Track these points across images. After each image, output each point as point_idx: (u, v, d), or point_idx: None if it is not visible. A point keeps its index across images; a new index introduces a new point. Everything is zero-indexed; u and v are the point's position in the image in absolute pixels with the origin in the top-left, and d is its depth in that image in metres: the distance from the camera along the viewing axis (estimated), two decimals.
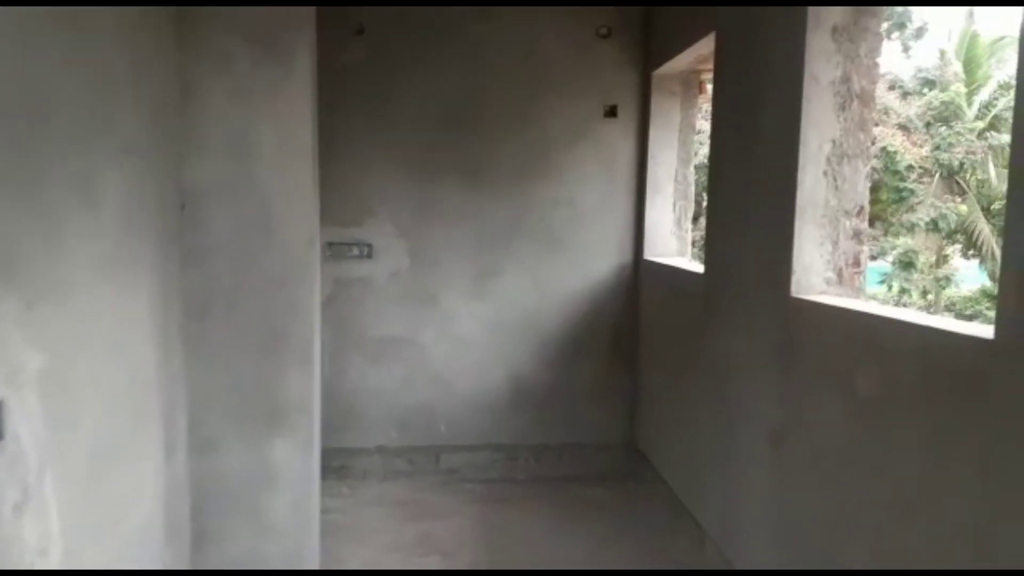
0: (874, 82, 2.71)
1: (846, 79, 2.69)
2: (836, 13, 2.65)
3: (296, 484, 2.91)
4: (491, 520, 4.35)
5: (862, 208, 2.78)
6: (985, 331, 1.74)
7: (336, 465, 4.85)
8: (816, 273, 2.78)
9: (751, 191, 3.16)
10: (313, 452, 2.96)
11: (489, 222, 4.83)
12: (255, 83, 2.76)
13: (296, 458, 2.90)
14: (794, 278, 2.76)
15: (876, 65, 2.70)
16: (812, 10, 2.63)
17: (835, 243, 2.78)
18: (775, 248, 2.88)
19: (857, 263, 2.80)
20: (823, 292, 2.76)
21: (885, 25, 2.70)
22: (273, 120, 2.77)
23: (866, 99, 2.72)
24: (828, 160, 2.73)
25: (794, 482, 2.75)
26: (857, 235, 2.79)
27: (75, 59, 1.91)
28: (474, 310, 4.90)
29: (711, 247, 3.63)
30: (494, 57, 4.70)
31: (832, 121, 2.70)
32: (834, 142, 2.72)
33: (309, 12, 2.81)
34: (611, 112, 4.77)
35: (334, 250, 4.77)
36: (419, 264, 4.84)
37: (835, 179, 2.74)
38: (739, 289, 3.27)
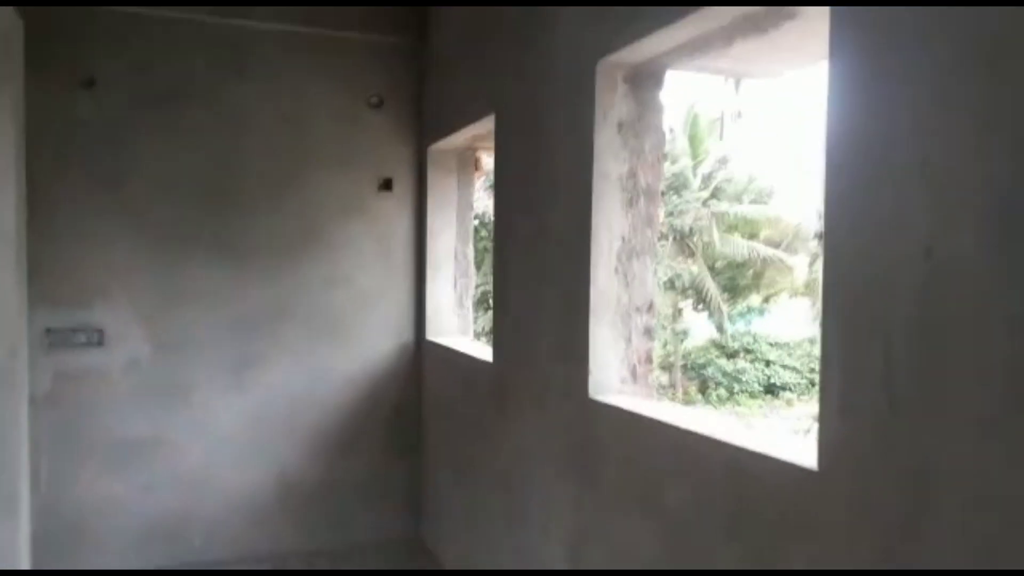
0: (659, 179, 2.72)
1: (633, 175, 2.67)
2: (622, 110, 2.62)
3: None
4: None
5: (651, 304, 2.75)
6: (807, 460, 1.68)
7: None
8: (612, 371, 2.69)
9: (540, 282, 3.04)
10: None
11: (252, 303, 4.31)
12: None
13: None
14: (591, 379, 2.65)
15: (659, 161, 2.72)
16: (599, 105, 2.58)
17: (628, 340, 2.71)
18: (569, 344, 2.76)
19: (649, 360, 2.76)
20: (620, 392, 2.67)
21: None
22: None
23: (652, 195, 2.71)
24: (619, 257, 2.67)
25: None
26: (648, 332, 2.75)
27: None
28: (233, 403, 4.31)
29: (500, 335, 3.46)
30: (255, 122, 4.25)
31: (621, 218, 2.66)
32: (623, 239, 2.67)
33: (11, 58, 2.24)
34: (386, 185, 4.51)
35: (54, 337, 3.96)
36: (165, 352, 4.17)
37: (626, 276, 2.68)
38: (532, 383, 3.11)
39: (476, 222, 4.83)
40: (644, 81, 2.62)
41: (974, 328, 1.31)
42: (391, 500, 4.65)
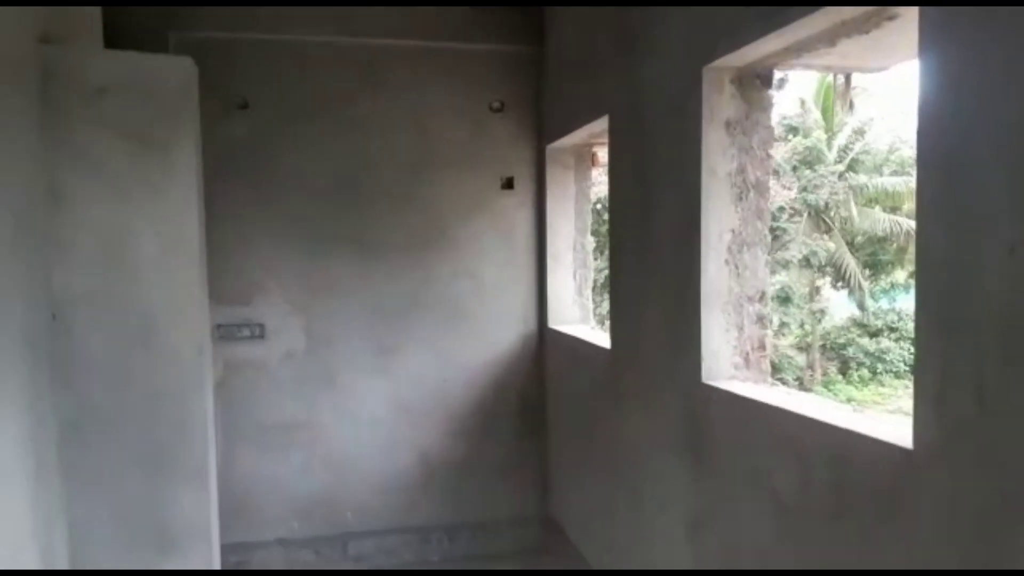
0: (768, 173, 2.80)
1: (741, 171, 2.77)
2: (729, 108, 2.72)
3: None
4: None
5: (763, 293, 2.84)
6: (903, 439, 1.77)
7: (233, 561, 4.51)
8: (724, 358, 2.81)
9: (653, 273, 3.19)
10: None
11: (387, 296, 4.69)
12: (132, 181, 2.56)
13: None
14: (704, 364, 2.78)
15: (769, 157, 2.79)
16: (706, 104, 2.70)
17: (740, 328, 2.82)
18: (681, 332, 2.91)
19: (762, 347, 2.85)
20: (732, 377, 2.79)
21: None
22: (154, 220, 2.58)
23: (761, 189, 2.80)
24: (729, 249, 2.78)
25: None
26: (760, 320, 2.85)
27: None
28: (377, 387, 4.72)
29: (616, 323, 3.64)
30: (383, 131, 4.61)
31: (731, 211, 2.76)
32: (733, 231, 2.78)
33: (190, 99, 2.64)
34: (508, 184, 4.77)
35: (223, 332, 4.50)
36: (316, 343, 4.63)
37: (736, 267, 2.79)
38: (646, 369, 3.27)
39: (597, 206, 4.98)
40: (751, 81, 2.71)
41: None
42: (521, 479, 4.93)
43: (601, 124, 3.83)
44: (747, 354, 2.83)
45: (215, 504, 2.78)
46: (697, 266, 2.77)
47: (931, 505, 1.67)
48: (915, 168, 1.73)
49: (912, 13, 1.91)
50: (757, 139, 2.77)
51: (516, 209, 4.82)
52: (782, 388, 2.75)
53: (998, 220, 1.49)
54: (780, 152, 19.28)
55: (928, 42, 1.68)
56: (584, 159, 4.71)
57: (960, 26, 1.58)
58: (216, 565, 2.80)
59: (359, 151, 4.60)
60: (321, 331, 4.63)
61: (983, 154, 1.52)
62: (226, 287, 4.46)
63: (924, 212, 1.69)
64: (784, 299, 18.84)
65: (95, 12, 3.02)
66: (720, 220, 2.76)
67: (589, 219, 4.82)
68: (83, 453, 2.51)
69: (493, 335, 4.84)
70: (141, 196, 2.56)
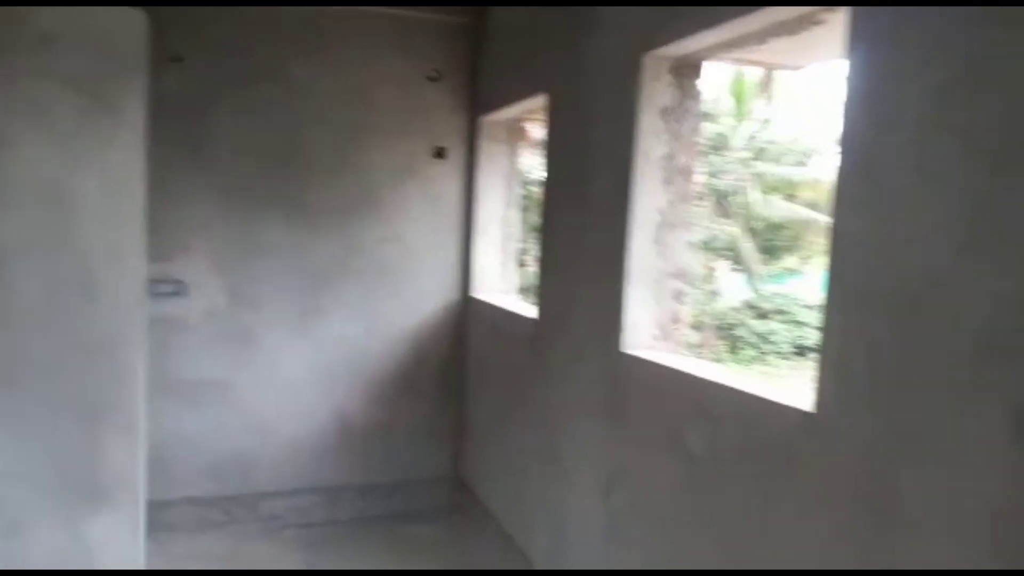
0: (694, 159, 3.01)
1: (672, 156, 2.97)
2: (665, 95, 2.91)
3: (119, 565, 2.68)
4: (313, 567, 4.24)
5: (683, 271, 3.07)
6: (804, 403, 2.01)
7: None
8: (643, 330, 3.03)
9: (581, 247, 3.37)
10: (139, 529, 2.74)
11: (315, 258, 4.71)
12: (79, 133, 2.52)
13: (120, 538, 2.67)
14: (624, 335, 2.99)
15: (696, 144, 3.00)
16: (644, 93, 2.87)
17: (659, 303, 3.05)
18: (606, 304, 3.10)
19: (678, 319, 3.09)
20: (650, 347, 3.02)
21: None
22: (100, 171, 2.55)
23: (688, 174, 3.01)
24: (656, 228, 2.99)
25: (624, 530, 2.97)
26: (678, 295, 3.08)
27: None
28: (298, 349, 4.75)
29: (544, 294, 3.81)
30: (320, 95, 4.59)
31: (659, 194, 2.97)
32: (661, 213, 2.98)
33: (140, 56, 2.61)
34: (439, 153, 4.85)
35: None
36: (237, 302, 4.60)
37: (661, 246, 3.00)
38: (571, 338, 3.47)
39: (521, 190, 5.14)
40: (686, 71, 2.90)
41: (946, 310, 1.61)
42: (436, 442, 5.08)
43: (538, 101, 3.96)
44: (664, 326, 3.06)
45: (144, 458, 2.80)
46: (625, 244, 2.96)
47: (827, 458, 1.92)
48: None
49: (837, 19, 2.13)
50: (687, 126, 2.97)
51: (446, 179, 4.90)
52: (692, 358, 2.99)
53: (903, 214, 1.72)
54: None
55: (855, 42, 1.88)
56: (516, 134, 4.84)
57: (884, 27, 1.78)
58: (142, 519, 2.82)
59: (295, 112, 4.56)
60: (245, 291, 4.60)
61: (895, 145, 1.74)
62: (149, 243, 4.35)
63: (840, 198, 1.91)
64: None
65: None
66: (649, 202, 2.95)
67: (517, 193, 4.96)
68: (16, 402, 2.48)
69: (417, 302, 4.94)
70: (87, 147, 2.52)
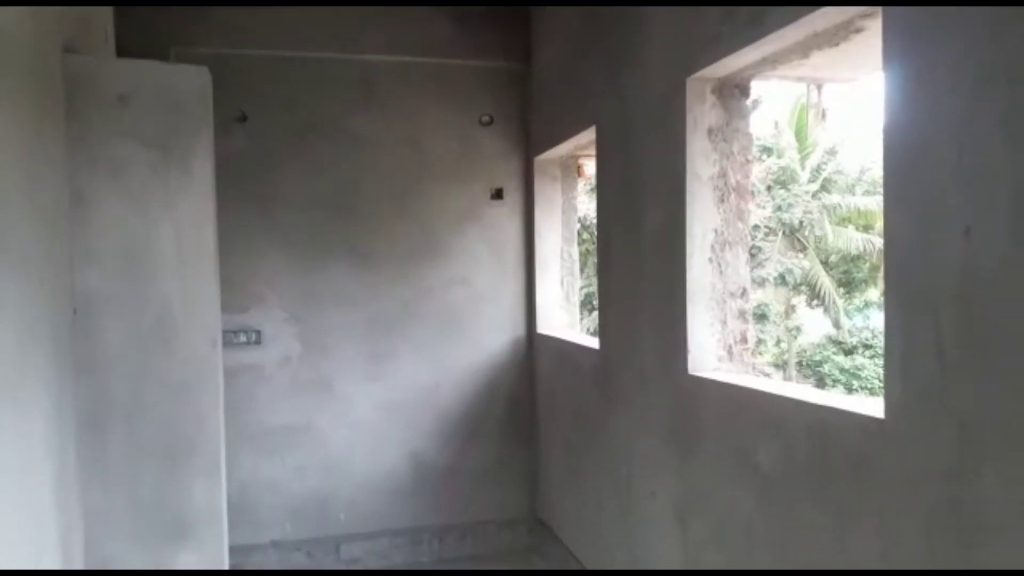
0: (748, 176, 3.01)
1: (723, 174, 2.97)
2: (711, 116, 2.93)
3: None
4: None
5: (745, 289, 3.03)
6: (875, 410, 1.95)
7: (230, 563, 4.58)
8: (709, 351, 2.99)
9: (640, 273, 3.37)
10: (224, 566, 2.82)
11: (381, 303, 4.84)
12: (153, 188, 2.70)
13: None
14: (690, 357, 2.96)
15: (748, 161, 3.00)
16: (690, 115, 2.90)
17: (723, 323, 3.01)
18: (668, 328, 3.09)
19: (745, 340, 3.04)
20: (716, 369, 2.98)
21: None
22: (173, 225, 2.71)
23: (741, 192, 3.00)
24: (712, 248, 2.98)
25: (703, 557, 2.89)
26: (742, 315, 3.04)
27: None
28: (369, 392, 4.85)
29: (605, 324, 3.82)
30: (378, 145, 4.80)
31: (713, 213, 2.96)
32: (716, 231, 2.97)
33: (206, 107, 2.79)
34: (497, 195, 4.96)
35: (222, 337, 4.60)
36: (310, 349, 4.76)
37: (719, 265, 2.99)
38: (635, 366, 3.45)
39: (579, 226, 5.19)
40: (730, 91, 2.92)
41: (1005, 301, 1.56)
42: (511, 481, 5.07)
43: (588, 135, 4.03)
44: (730, 347, 3.02)
45: (225, 495, 2.90)
46: (683, 265, 2.96)
47: (900, 463, 1.85)
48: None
49: (875, 26, 2.13)
50: (737, 145, 2.98)
51: (505, 219, 5.00)
52: (763, 377, 2.93)
53: (954, 206, 1.68)
54: (755, 172, 19.71)
55: (891, 48, 1.88)
56: (570, 170, 4.91)
57: (918, 30, 1.78)
58: (226, 556, 2.91)
59: (354, 164, 4.77)
60: (316, 338, 4.76)
61: (940, 145, 1.72)
62: (224, 295, 4.57)
63: (890, 199, 1.88)
64: (760, 316, 19.16)
65: (109, 24, 3.18)
66: (704, 221, 2.95)
67: (575, 229, 5.01)
68: (101, 446, 2.62)
69: (483, 341, 5.00)
70: (160, 200, 2.69)
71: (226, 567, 2.89)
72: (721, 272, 2.99)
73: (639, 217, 3.36)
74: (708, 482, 2.83)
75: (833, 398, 2.22)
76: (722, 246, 2.99)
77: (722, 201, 2.98)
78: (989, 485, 1.62)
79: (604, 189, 3.81)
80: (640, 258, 3.37)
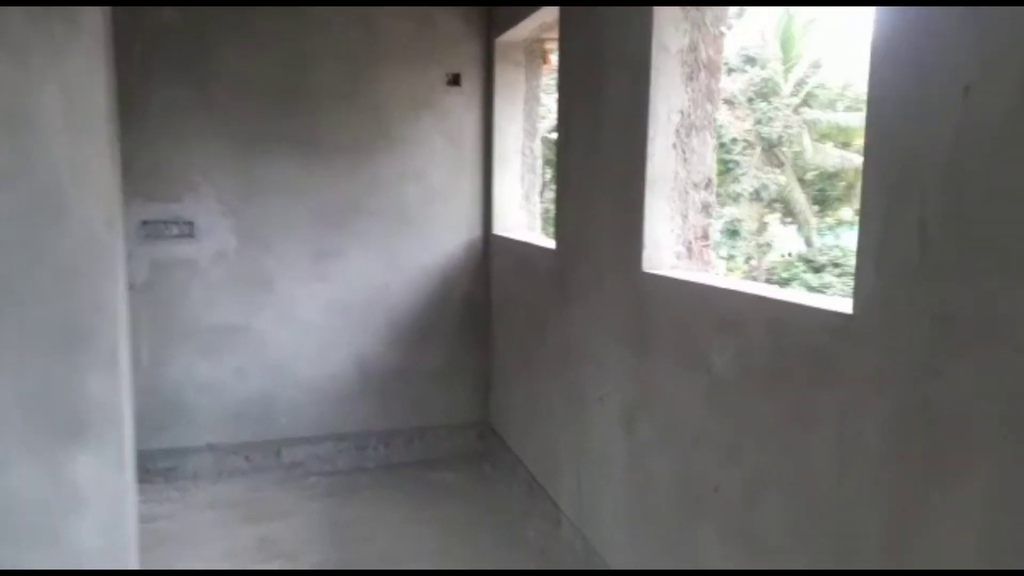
0: (720, 52, 2.67)
1: (693, 48, 2.63)
2: None
3: (106, 503, 2.53)
4: (338, 515, 4.09)
5: (710, 180, 2.75)
6: (843, 305, 1.71)
7: (162, 467, 4.40)
8: (667, 248, 2.73)
9: (600, 165, 3.07)
10: (126, 465, 2.58)
11: (328, 197, 4.49)
12: (33, 43, 2.31)
13: (104, 474, 2.51)
14: (645, 253, 2.70)
15: (722, 34, 2.66)
16: None
17: (684, 217, 2.73)
18: (626, 223, 2.81)
19: (706, 236, 2.78)
20: (674, 267, 2.72)
21: None
22: (59, 85, 2.33)
23: (713, 69, 2.67)
24: (677, 132, 2.67)
25: (649, 462, 2.71)
26: (705, 208, 2.76)
27: None
28: (315, 292, 4.56)
29: (562, 223, 3.53)
30: (327, 23, 4.33)
31: (681, 92, 2.64)
32: (683, 113, 2.66)
33: None
34: (454, 80, 4.55)
35: (150, 229, 4.26)
36: (249, 245, 4.42)
37: (684, 151, 2.69)
38: (591, 265, 3.18)
39: (543, 121, 4.82)
40: None
41: (1008, 169, 1.29)
42: (462, 386, 4.88)
43: (552, 13, 3.63)
44: (690, 243, 2.75)
45: (128, 388, 2.64)
46: (644, 149, 2.65)
47: (867, 362, 1.62)
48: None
49: None
50: (711, 15, 2.63)
51: (463, 108, 4.61)
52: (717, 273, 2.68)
53: (953, 61, 1.39)
54: (737, 83, 19.18)
55: None
56: (535, 56, 4.51)
57: None
58: (131, 451, 2.67)
59: (300, 43, 4.32)
60: (257, 233, 4.42)
61: None
62: (153, 183, 4.22)
63: (877, 54, 1.58)
64: (733, 232, 19.03)
65: None
66: (669, 100, 2.63)
67: (539, 122, 4.65)
68: None
69: (437, 240, 4.70)
70: (43, 59, 2.31)
71: (130, 470, 2.65)
72: (685, 160, 2.69)
73: (598, 98, 3.02)
74: (659, 384, 2.62)
75: (797, 294, 1.97)
76: (688, 130, 2.68)
77: (691, 79, 2.65)
78: (964, 384, 1.39)
79: (566, 70, 3.45)
80: (598, 147, 3.05)
